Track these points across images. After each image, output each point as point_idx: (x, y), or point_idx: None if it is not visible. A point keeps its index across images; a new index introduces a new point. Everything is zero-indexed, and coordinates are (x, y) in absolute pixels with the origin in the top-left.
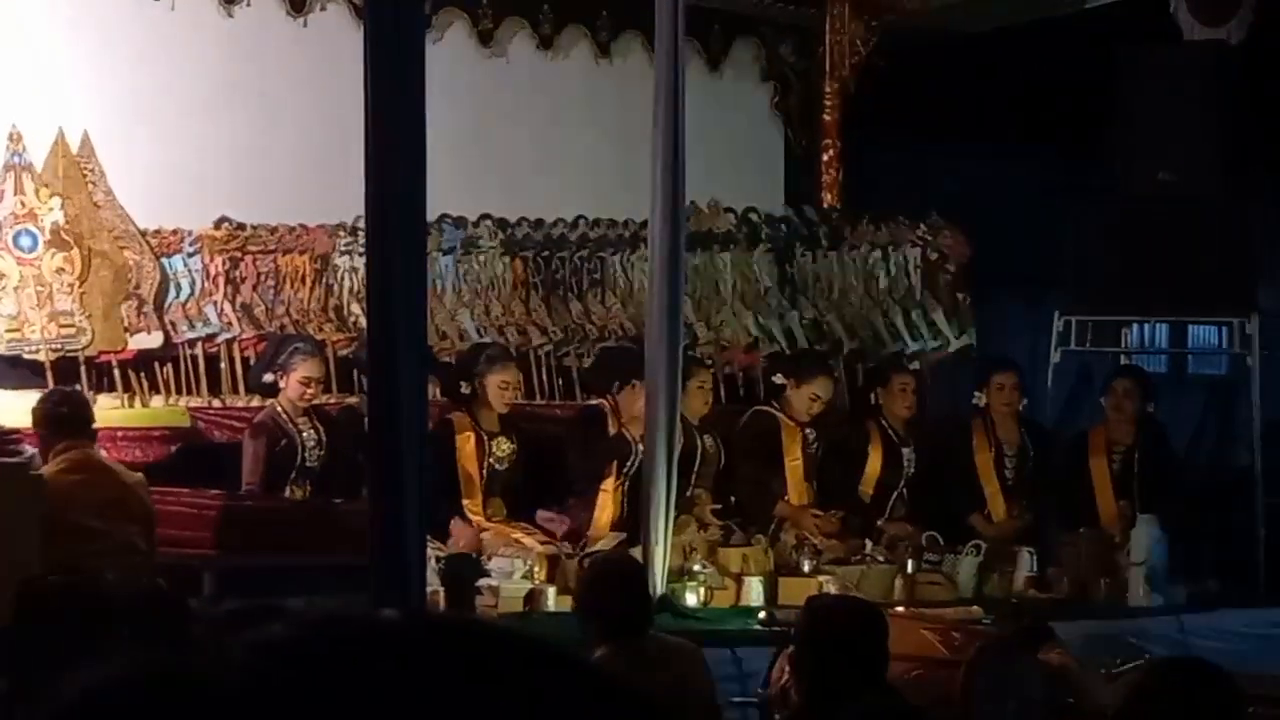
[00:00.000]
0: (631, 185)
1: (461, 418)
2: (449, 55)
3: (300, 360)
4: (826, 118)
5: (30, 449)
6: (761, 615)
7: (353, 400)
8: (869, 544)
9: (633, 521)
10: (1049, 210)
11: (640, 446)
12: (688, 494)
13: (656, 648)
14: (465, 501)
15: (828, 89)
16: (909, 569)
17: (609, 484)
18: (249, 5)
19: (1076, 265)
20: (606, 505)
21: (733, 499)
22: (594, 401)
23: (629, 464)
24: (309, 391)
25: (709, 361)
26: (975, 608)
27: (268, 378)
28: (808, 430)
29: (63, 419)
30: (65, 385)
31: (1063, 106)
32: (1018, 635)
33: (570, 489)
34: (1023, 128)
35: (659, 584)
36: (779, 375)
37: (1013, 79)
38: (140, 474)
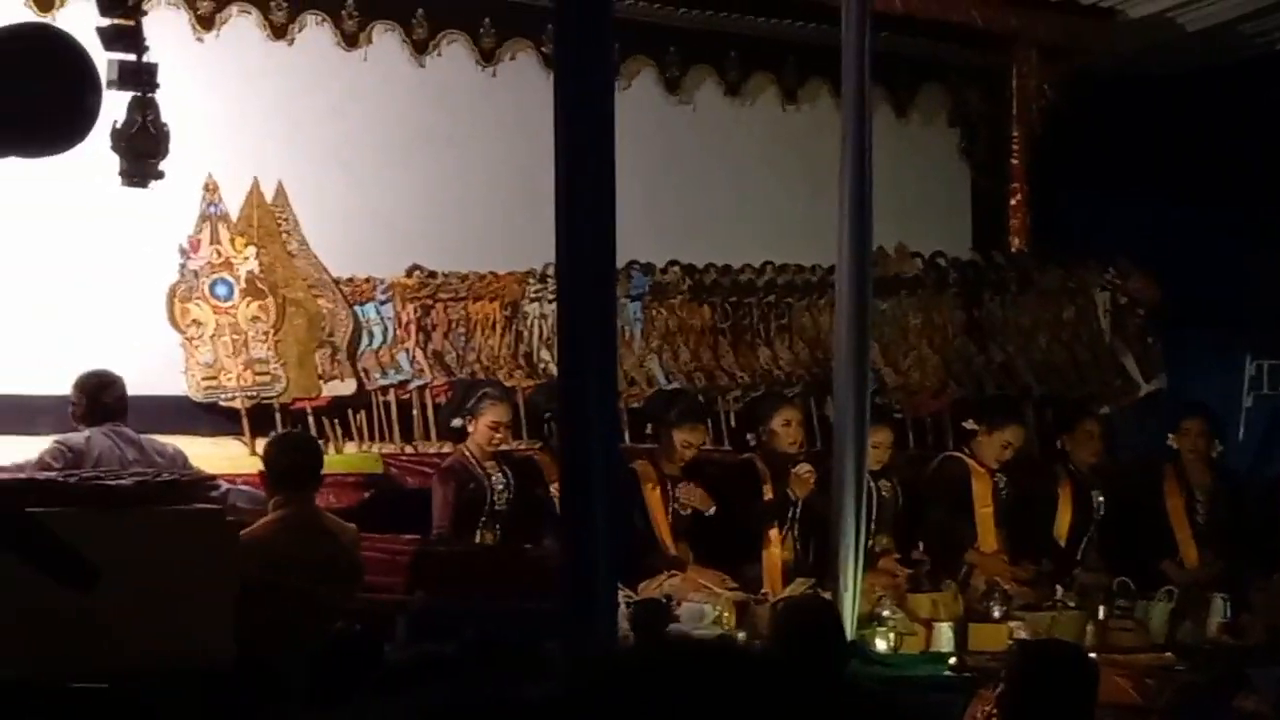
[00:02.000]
0: (818, 231)
1: (645, 466)
2: (637, 102)
3: (489, 405)
4: (1014, 161)
5: (225, 486)
6: (952, 661)
7: (536, 447)
8: (1060, 590)
9: (813, 568)
10: (1240, 253)
11: (799, 498)
12: (869, 543)
13: None
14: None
15: (1015, 133)
16: (1100, 615)
17: (773, 536)
18: (440, 55)
19: (1268, 309)
20: (774, 558)
21: (920, 545)
22: (746, 456)
23: (791, 514)
24: (497, 436)
25: (897, 409)
26: (1168, 654)
27: (456, 422)
28: (998, 476)
29: (283, 470)
30: (289, 431)
31: (1255, 149)
32: (1212, 682)
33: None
34: (1214, 170)
35: (849, 630)
36: (970, 421)
37: (1204, 121)
38: (353, 526)
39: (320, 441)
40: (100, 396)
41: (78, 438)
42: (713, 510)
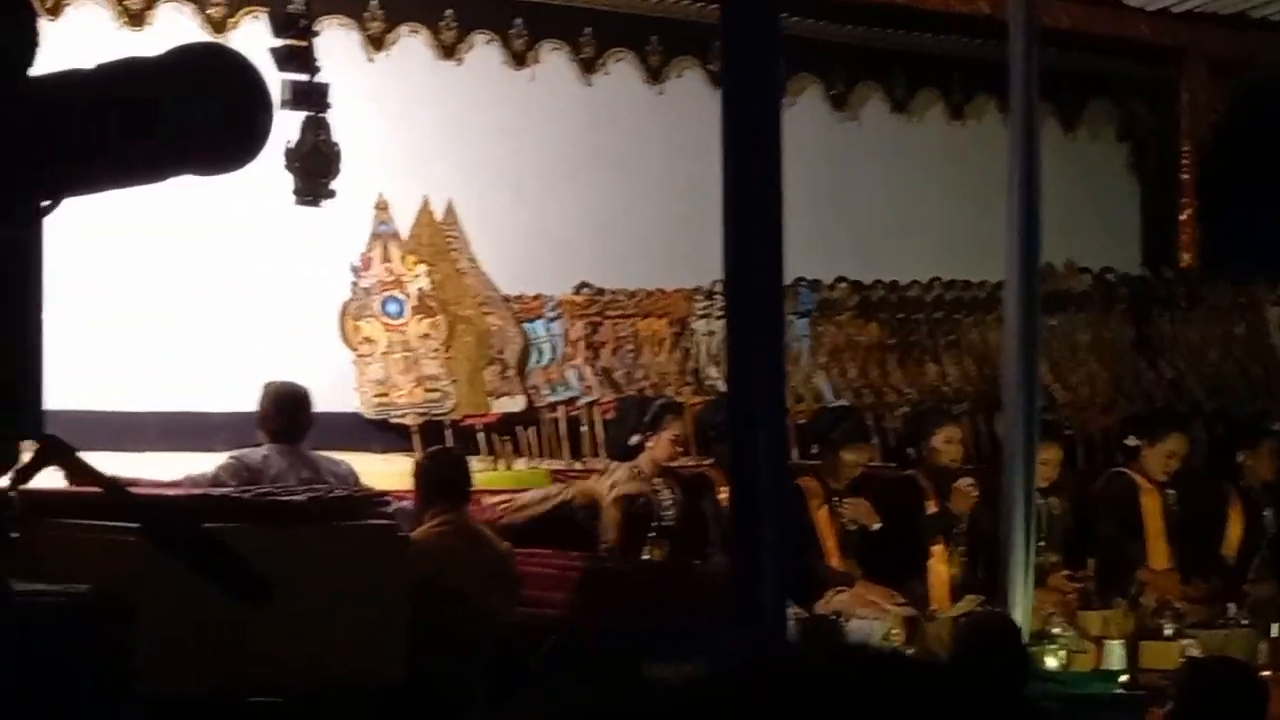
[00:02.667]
0: (986, 247)
1: (810, 483)
2: (803, 120)
3: (671, 419)
4: (1184, 177)
5: (396, 503)
6: (1123, 679)
7: (707, 464)
8: (1232, 607)
9: (981, 584)
10: None
11: (962, 513)
12: (1038, 559)
13: None
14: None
15: (1185, 147)
16: (1273, 632)
17: (937, 550)
18: (607, 74)
19: None
20: (940, 573)
21: (1090, 562)
22: (908, 472)
23: (955, 529)
24: (679, 450)
25: (1066, 425)
26: None
27: (634, 439)
28: (1168, 491)
29: (443, 483)
30: (443, 447)
31: None
32: None
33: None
34: None
35: None
36: (1132, 437)
37: None
38: (508, 543)
39: (490, 458)
40: (297, 415)
41: (255, 455)
42: (878, 526)
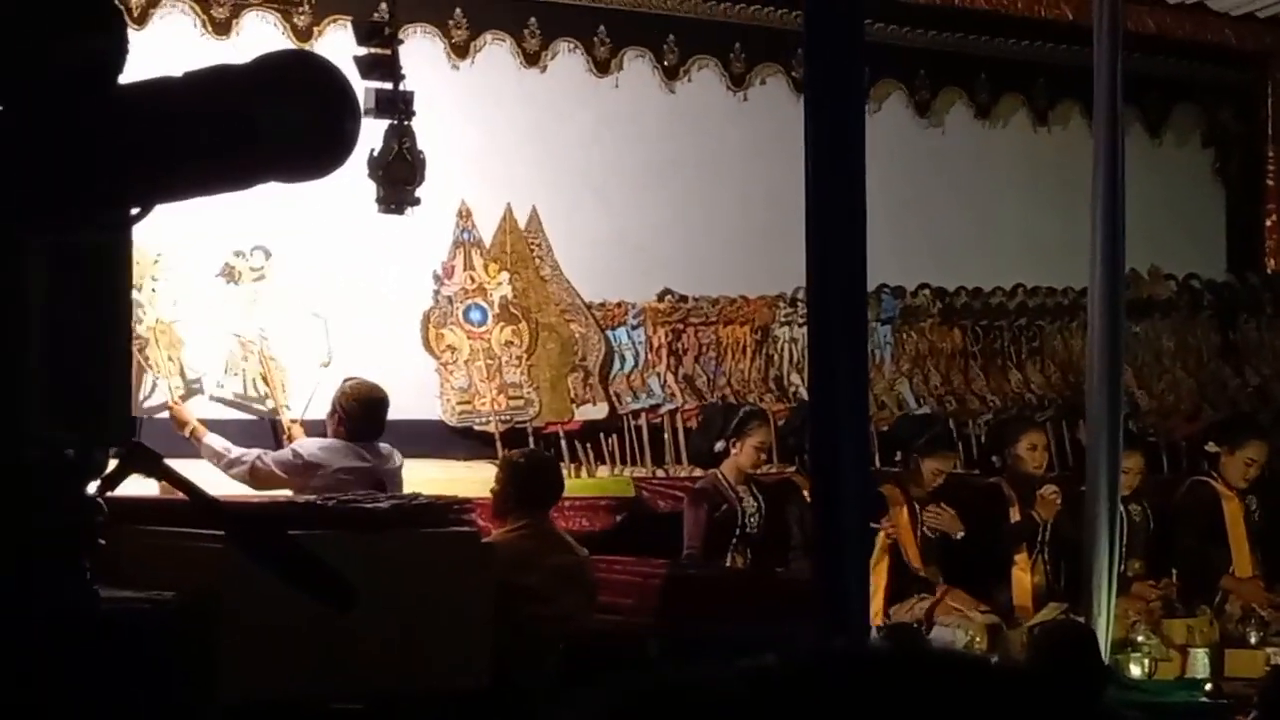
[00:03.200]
0: (1070, 253)
1: (893, 490)
2: (886, 125)
3: (756, 426)
4: (1269, 182)
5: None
6: (1208, 688)
7: (790, 470)
8: None
9: (1064, 592)
10: None
11: (1046, 520)
12: (1121, 568)
13: None
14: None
15: (1270, 153)
16: None
17: (1020, 559)
18: (690, 81)
19: None
20: (1023, 581)
21: (1174, 571)
22: (992, 479)
23: (1039, 537)
24: (763, 457)
25: (1151, 432)
26: None
27: (719, 446)
28: (1249, 498)
29: (534, 486)
30: (537, 449)
31: None
32: None
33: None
34: None
35: (1103, 655)
36: (1212, 443)
37: None
38: (586, 550)
39: (573, 465)
40: (373, 415)
41: (310, 444)
42: (961, 534)
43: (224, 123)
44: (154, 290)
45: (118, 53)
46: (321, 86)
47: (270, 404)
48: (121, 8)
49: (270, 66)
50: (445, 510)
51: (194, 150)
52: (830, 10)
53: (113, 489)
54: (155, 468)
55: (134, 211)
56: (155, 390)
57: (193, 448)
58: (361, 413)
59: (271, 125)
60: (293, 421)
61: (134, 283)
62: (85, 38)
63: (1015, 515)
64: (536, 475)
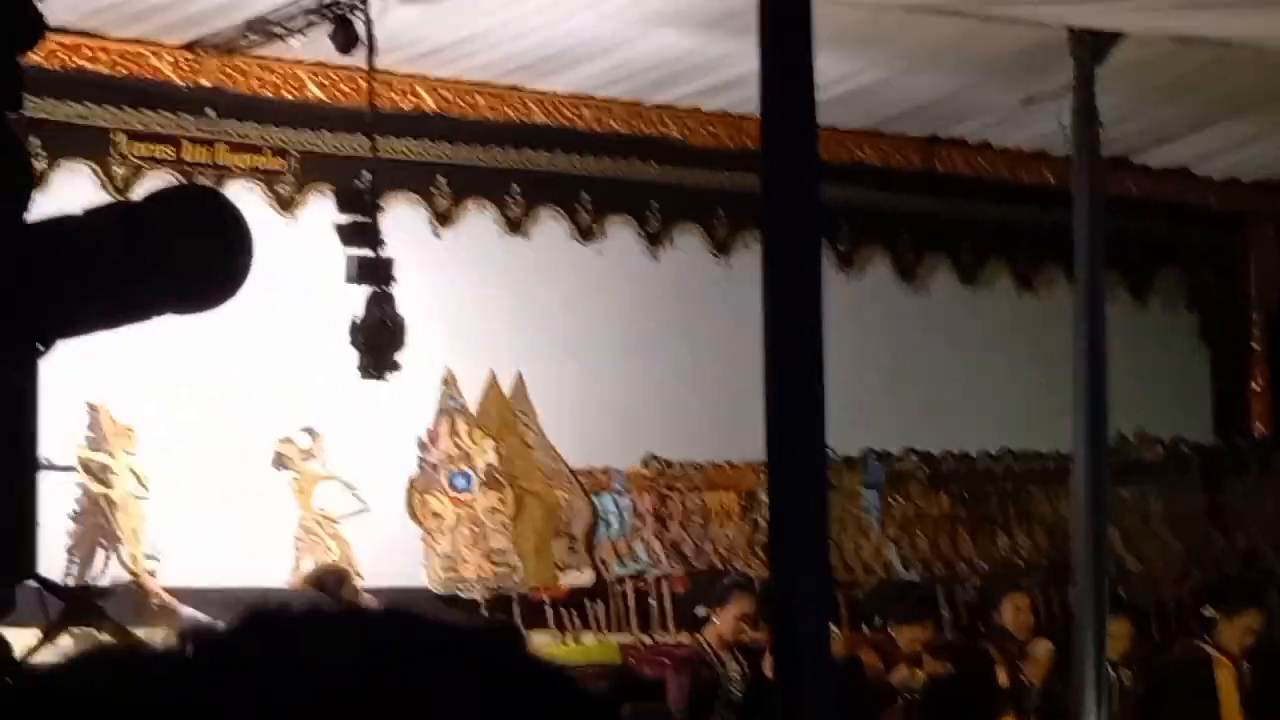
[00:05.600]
0: (1057, 417)
1: (869, 654)
2: (871, 290)
3: (738, 596)
4: (1254, 346)
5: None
6: None
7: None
8: None
9: None
10: None
11: (1035, 686)
12: None
13: None
14: None
15: (1255, 316)
16: None
17: None
18: (674, 247)
19: None
20: None
21: None
22: (979, 644)
23: (1028, 703)
24: (744, 626)
25: (1140, 597)
26: None
27: (700, 611)
28: (1242, 665)
29: None
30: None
31: None
32: None
33: None
34: None
35: None
36: (1208, 608)
37: None
38: None
39: (558, 632)
40: (338, 594)
41: None
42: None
43: (120, 258)
44: (128, 459)
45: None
46: (216, 221)
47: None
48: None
49: (166, 201)
50: None
51: (94, 282)
52: (786, 178)
53: (54, 640)
54: (97, 619)
55: (38, 346)
56: (109, 565)
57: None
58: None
59: (166, 258)
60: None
61: (109, 450)
62: None
63: (1003, 678)
64: None
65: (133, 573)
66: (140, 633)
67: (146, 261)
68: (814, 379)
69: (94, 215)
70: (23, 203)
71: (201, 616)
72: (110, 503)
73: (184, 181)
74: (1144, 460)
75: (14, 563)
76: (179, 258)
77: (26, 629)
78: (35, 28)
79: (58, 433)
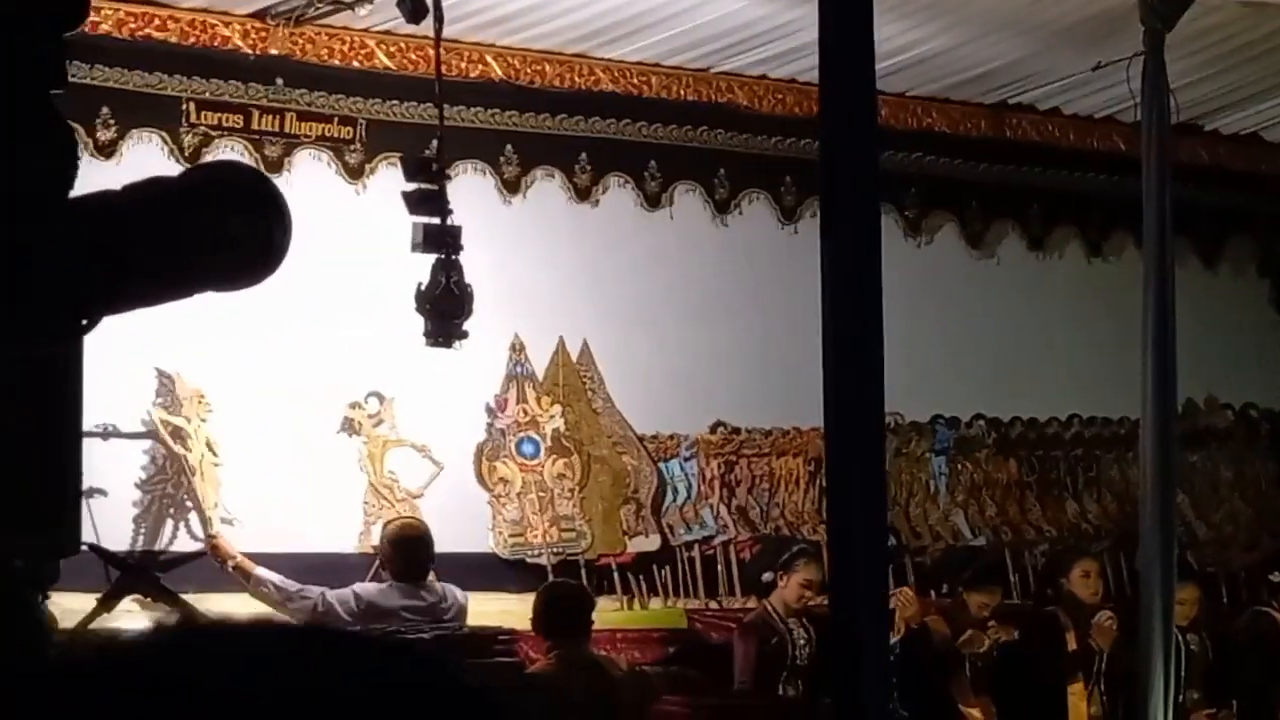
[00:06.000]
0: (1126, 383)
1: (936, 620)
2: (940, 257)
3: (803, 563)
4: None
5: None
6: None
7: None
8: None
9: None
10: None
11: (1103, 649)
12: (1179, 698)
13: None
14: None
15: None
16: None
17: (1076, 688)
18: (741, 214)
19: None
20: (1081, 710)
21: (1234, 703)
22: (1049, 609)
23: (1096, 667)
24: (808, 594)
25: (1209, 563)
26: None
27: (767, 577)
28: None
29: (560, 616)
30: (561, 580)
31: None
32: None
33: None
34: None
35: None
36: (1276, 573)
37: None
38: (641, 668)
39: (625, 597)
40: (415, 554)
41: (371, 588)
42: (1016, 636)
43: (160, 233)
44: (201, 425)
45: (68, 167)
46: (253, 197)
47: None
48: (73, 129)
49: (203, 179)
50: (489, 641)
51: (135, 260)
52: (843, 144)
53: (110, 610)
54: (153, 588)
55: (83, 322)
56: (179, 533)
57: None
58: (399, 554)
59: (205, 235)
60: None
61: (185, 416)
62: (35, 157)
63: (1072, 644)
64: (556, 606)
65: (209, 535)
66: (211, 600)
67: (185, 239)
68: (872, 347)
69: (133, 191)
70: (67, 180)
71: (275, 577)
72: (187, 465)
73: (252, 151)
74: (1214, 426)
75: (58, 538)
76: (217, 236)
77: (90, 594)
78: (81, 5)
79: (130, 399)
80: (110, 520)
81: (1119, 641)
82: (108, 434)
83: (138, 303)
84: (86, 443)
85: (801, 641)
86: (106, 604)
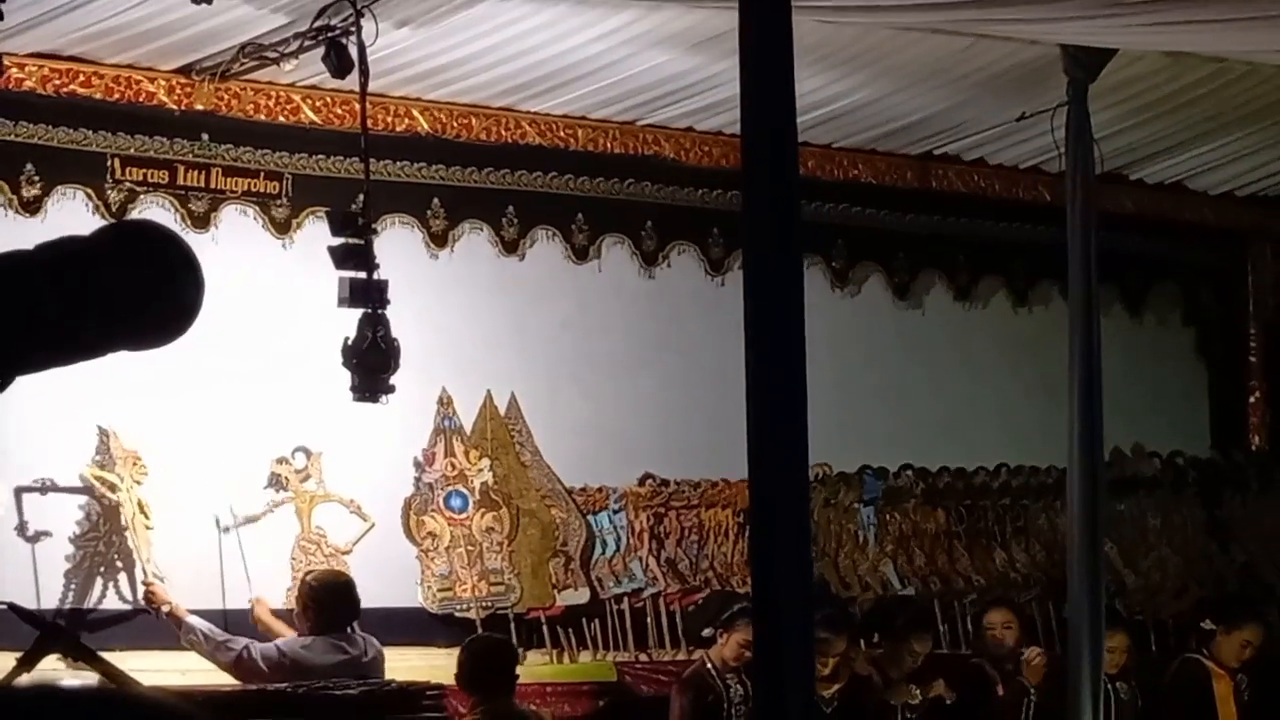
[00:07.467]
0: (1054, 432)
1: (867, 670)
2: (867, 307)
3: (744, 623)
4: (1252, 359)
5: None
6: None
7: None
8: None
9: None
10: None
11: (1033, 685)
12: None
13: None
14: None
15: (1252, 330)
16: None
17: None
18: (669, 266)
19: None
20: None
21: None
22: (975, 660)
23: (1025, 712)
24: (747, 654)
25: (1138, 611)
26: None
27: (707, 632)
28: (1239, 677)
29: (479, 670)
30: (484, 635)
31: None
32: None
33: None
34: None
35: None
36: (1208, 621)
37: None
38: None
39: (554, 651)
40: (336, 607)
41: (295, 644)
42: (953, 698)
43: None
44: (135, 488)
45: None
46: (164, 255)
47: None
48: None
49: (113, 237)
50: (417, 696)
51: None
52: (764, 196)
53: (30, 669)
54: (72, 648)
55: None
56: (107, 592)
57: (165, 637)
58: (334, 600)
59: (115, 294)
60: None
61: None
62: None
63: (1000, 691)
64: (480, 660)
65: (145, 581)
66: (136, 658)
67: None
68: (796, 397)
69: (43, 250)
70: None
71: (204, 625)
72: (118, 520)
73: (178, 207)
74: (1141, 474)
75: None
76: (127, 295)
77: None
78: None
79: (68, 454)
80: (47, 572)
81: (1049, 688)
82: (45, 489)
83: (47, 363)
84: (25, 496)
85: (738, 698)
86: (27, 663)
